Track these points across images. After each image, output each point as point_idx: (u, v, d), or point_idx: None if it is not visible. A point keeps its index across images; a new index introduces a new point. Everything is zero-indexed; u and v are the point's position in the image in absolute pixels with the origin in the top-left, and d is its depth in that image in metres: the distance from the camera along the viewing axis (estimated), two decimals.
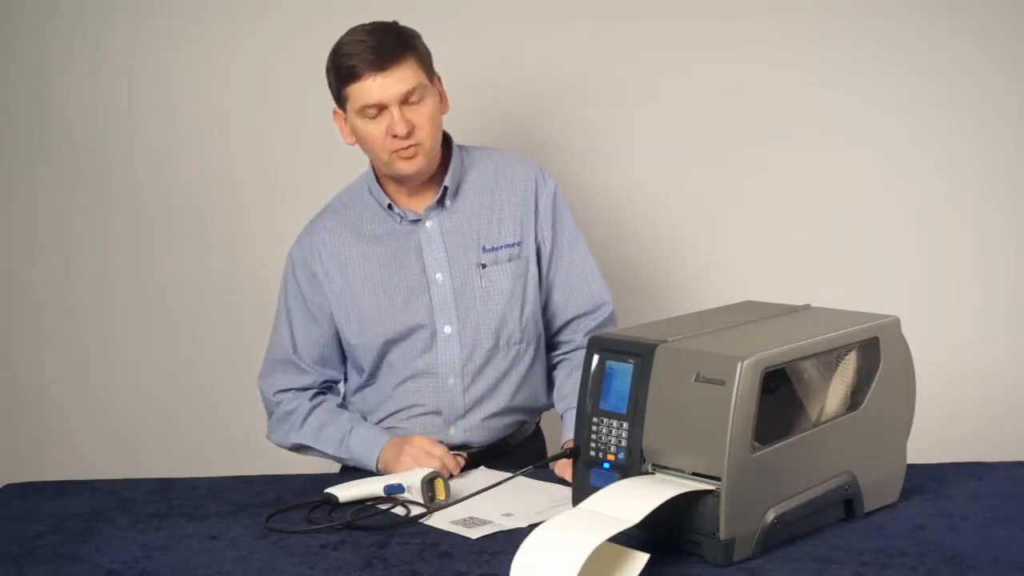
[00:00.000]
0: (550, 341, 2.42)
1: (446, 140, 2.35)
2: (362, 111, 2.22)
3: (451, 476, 2.14)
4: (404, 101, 2.20)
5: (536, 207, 2.35)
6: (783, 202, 3.01)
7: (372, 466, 2.23)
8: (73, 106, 3.09)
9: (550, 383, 2.43)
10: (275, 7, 3.04)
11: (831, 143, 2.98)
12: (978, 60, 2.93)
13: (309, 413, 2.33)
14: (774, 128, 2.98)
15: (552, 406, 2.43)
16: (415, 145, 2.22)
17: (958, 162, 2.97)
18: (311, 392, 2.36)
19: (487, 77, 2.88)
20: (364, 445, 2.25)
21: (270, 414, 2.39)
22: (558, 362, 2.41)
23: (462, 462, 2.19)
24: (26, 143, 3.12)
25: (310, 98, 3.01)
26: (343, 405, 2.38)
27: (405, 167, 2.24)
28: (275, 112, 3.06)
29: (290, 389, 2.36)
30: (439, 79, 2.31)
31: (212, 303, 3.14)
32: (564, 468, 2.08)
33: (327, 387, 2.39)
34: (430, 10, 2.35)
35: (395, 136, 2.21)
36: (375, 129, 2.23)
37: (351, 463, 2.27)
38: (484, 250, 2.31)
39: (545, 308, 2.38)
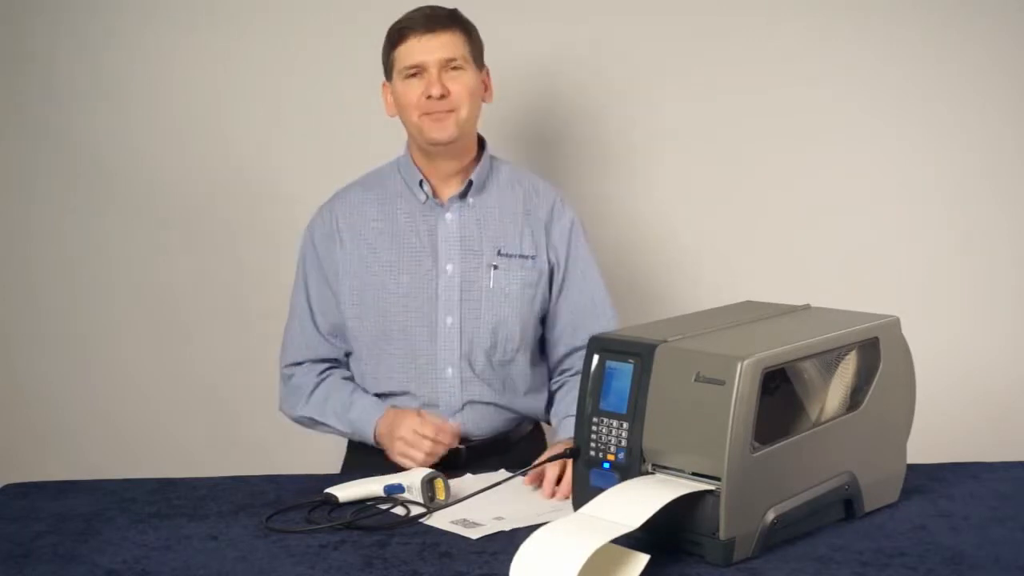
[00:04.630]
0: (554, 366, 2.43)
1: (480, 142, 2.39)
2: (403, 72, 2.29)
3: (455, 455, 2.16)
4: (444, 67, 2.26)
5: (551, 231, 2.38)
6: (783, 202, 3.01)
7: (370, 438, 2.27)
8: (74, 106, 3.09)
9: (549, 402, 2.43)
10: (275, 7, 3.03)
11: (831, 143, 2.98)
12: (978, 60, 2.93)
13: (316, 387, 2.35)
14: (774, 128, 2.98)
15: (547, 422, 2.44)
16: (449, 111, 2.27)
17: (958, 162, 2.97)
18: (322, 366, 2.38)
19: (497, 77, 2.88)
20: (362, 417, 2.28)
21: (283, 386, 2.41)
22: (559, 386, 2.42)
23: (456, 428, 2.21)
24: (26, 143, 3.12)
25: (312, 98, 3.03)
26: (349, 379, 2.39)
27: (436, 131, 2.27)
28: (276, 112, 3.06)
29: (304, 361, 2.38)
30: (487, 71, 2.37)
31: (212, 303, 3.14)
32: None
33: (336, 362, 2.40)
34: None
35: (429, 97, 2.25)
36: (412, 91, 2.28)
37: (354, 436, 2.30)
38: (499, 253, 2.33)
39: (552, 333, 2.40)
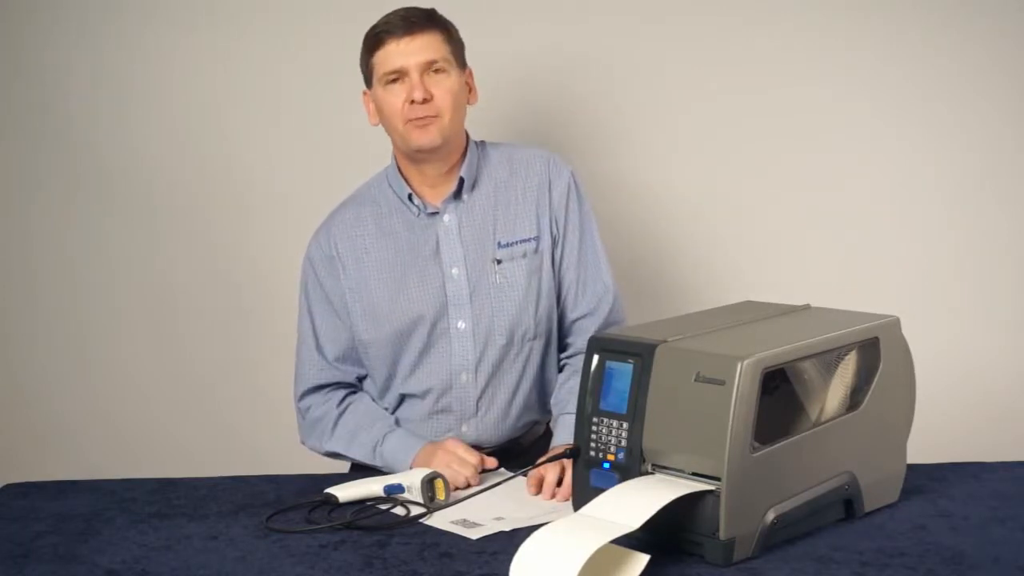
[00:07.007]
0: (559, 341, 2.40)
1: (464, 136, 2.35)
2: (383, 78, 2.24)
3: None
4: (426, 70, 2.22)
5: (550, 198, 2.34)
6: (783, 202, 3.00)
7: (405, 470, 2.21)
8: (75, 107, 3.09)
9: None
10: (275, 7, 3.03)
11: (831, 143, 2.98)
12: (978, 60, 2.93)
13: (339, 418, 2.32)
14: (774, 128, 2.98)
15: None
16: (433, 116, 2.23)
17: (958, 162, 2.97)
18: (339, 394, 2.34)
19: (499, 76, 2.88)
20: (397, 453, 2.23)
21: (302, 418, 2.37)
22: (561, 368, 2.40)
23: (495, 463, 2.18)
24: (27, 143, 3.12)
25: (312, 99, 3.03)
26: (371, 405, 2.36)
27: (420, 137, 2.23)
28: (276, 113, 3.06)
29: (316, 390, 2.34)
30: (470, 72, 2.33)
31: (212, 303, 3.14)
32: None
33: (352, 387, 2.37)
34: (448, 7, 2.34)
35: (412, 102, 2.21)
36: (394, 98, 2.24)
37: (385, 470, 2.25)
38: (499, 245, 2.31)
39: (556, 303, 2.37)
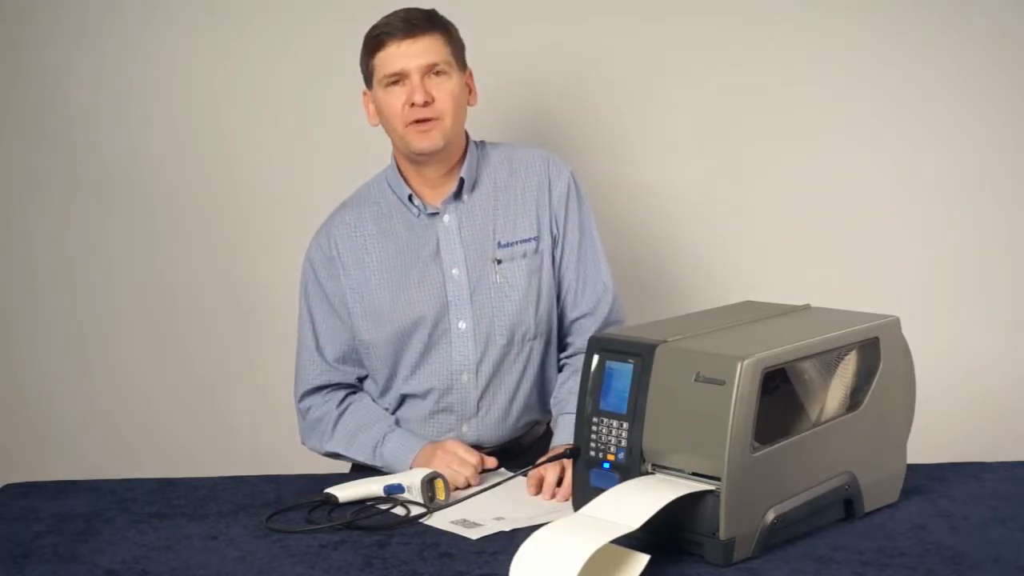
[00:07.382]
0: (559, 340, 2.40)
1: (464, 136, 2.35)
2: (384, 80, 2.24)
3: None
4: (427, 73, 2.22)
5: (550, 198, 2.34)
6: (783, 202, 3.00)
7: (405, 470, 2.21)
8: (75, 107, 3.09)
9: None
10: (275, 7, 3.03)
11: (831, 143, 2.98)
12: (978, 60, 2.93)
13: (339, 419, 2.32)
14: (774, 128, 2.98)
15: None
16: (434, 119, 2.22)
17: (959, 162, 2.97)
18: (339, 395, 2.34)
19: (499, 76, 2.88)
20: (397, 453, 2.23)
21: (302, 419, 2.37)
22: (561, 367, 2.40)
23: (495, 462, 2.18)
24: (27, 143, 3.12)
25: (312, 98, 3.03)
26: (371, 405, 2.36)
27: (421, 142, 2.23)
28: (276, 112, 3.06)
29: (317, 390, 2.34)
30: (470, 73, 2.33)
31: (212, 303, 3.14)
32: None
33: (352, 387, 2.37)
34: (448, 7, 2.34)
35: (413, 104, 2.21)
36: (395, 100, 2.23)
37: (385, 470, 2.25)
38: (499, 245, 2.31)
39: (556, 303, 2.37)
